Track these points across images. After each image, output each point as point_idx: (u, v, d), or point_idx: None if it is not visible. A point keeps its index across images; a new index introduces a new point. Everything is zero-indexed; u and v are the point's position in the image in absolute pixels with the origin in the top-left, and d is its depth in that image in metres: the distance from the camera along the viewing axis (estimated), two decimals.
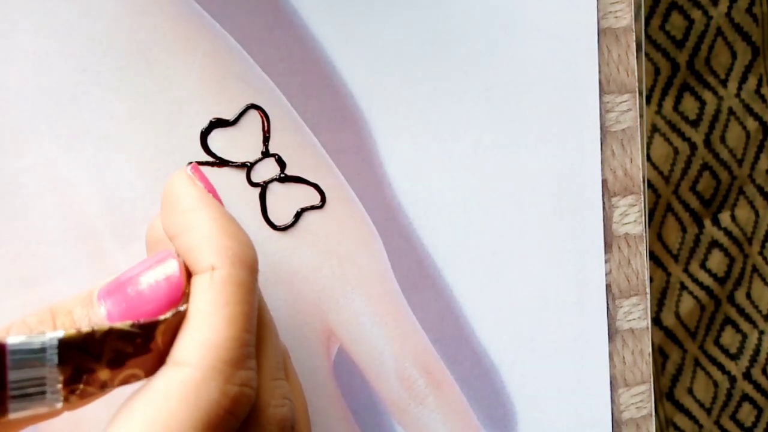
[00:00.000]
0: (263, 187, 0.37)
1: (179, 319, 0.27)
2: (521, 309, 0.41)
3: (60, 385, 0.25)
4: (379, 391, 0.39)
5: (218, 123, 0.36)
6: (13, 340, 0.25)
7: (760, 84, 0.77)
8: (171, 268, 0.28)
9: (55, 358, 0.25)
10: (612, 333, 0.42)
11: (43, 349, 0.25)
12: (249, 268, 0.28)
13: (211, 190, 0.30)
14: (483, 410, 0.40)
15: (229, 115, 0.36)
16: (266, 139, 0.37)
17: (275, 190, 0.37)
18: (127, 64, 0.35)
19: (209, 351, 0.26)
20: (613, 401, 0.42)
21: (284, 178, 0.37)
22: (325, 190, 0.38)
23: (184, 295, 0.28)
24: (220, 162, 0.36)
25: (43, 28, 0.34)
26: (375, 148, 0.38)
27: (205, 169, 0.36)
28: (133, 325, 0.26)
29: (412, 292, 0.39)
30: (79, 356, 0.25)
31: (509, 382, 0.41)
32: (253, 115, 0.37)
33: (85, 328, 0.26)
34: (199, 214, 0.29)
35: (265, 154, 0.37)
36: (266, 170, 0.37)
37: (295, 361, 0.36)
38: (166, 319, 0.27)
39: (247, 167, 0.36)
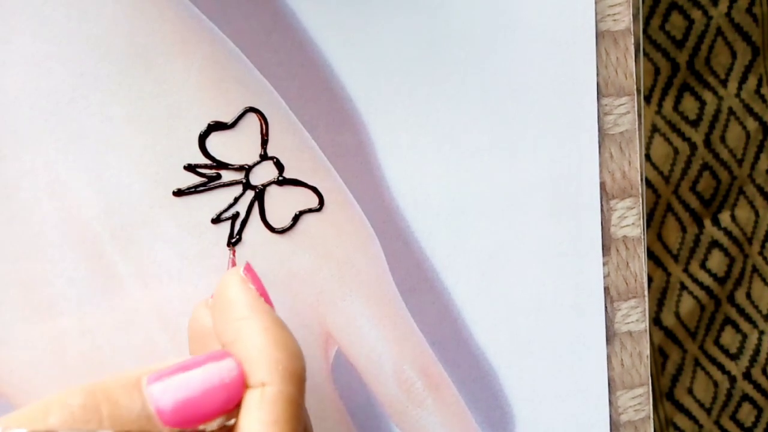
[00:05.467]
0: (261, 190, 0.37)
1: None
2: (519, 311, 0.41)
3: None
4: (377, 394, 0.39)
5: (216, 126, 0.36)
6: None
7: (760, 84, 0.77)
8: (231, 372, 0.28)
9: None
10: (610, 335, 0.42)
11: None
12: (298, 381, 0.28)
13: (263, 293, 0.30)
14: (481, 413, 0.40)
15: (228, 119, 0.36)
16: (264, 142, 0.37)
17: (273, 193, 0.37)
18: (126, 67, 0.35)
19: None
20: (611, 404, 0.43)
21: (282, 181, 0.37)
22: (323, 193, 0.38)
23: (237, 406, 0.27)
24: (219, 165, 0.36)
25: (42, 31, 0.34)
26: (373, 150, 0.39)
27: (203, 172, 0.36)
28: None
29: (411, 295, 0.39)
30: None
31: (507, 384, 0.41)
32: (252, 118, 0.37)
33: None
34: (252, 323, 0.29)
35: (264, 157, 0.37)
36: (264, 173, 0.37)
37: None
38: None
39: (246, 170, 0.37)
